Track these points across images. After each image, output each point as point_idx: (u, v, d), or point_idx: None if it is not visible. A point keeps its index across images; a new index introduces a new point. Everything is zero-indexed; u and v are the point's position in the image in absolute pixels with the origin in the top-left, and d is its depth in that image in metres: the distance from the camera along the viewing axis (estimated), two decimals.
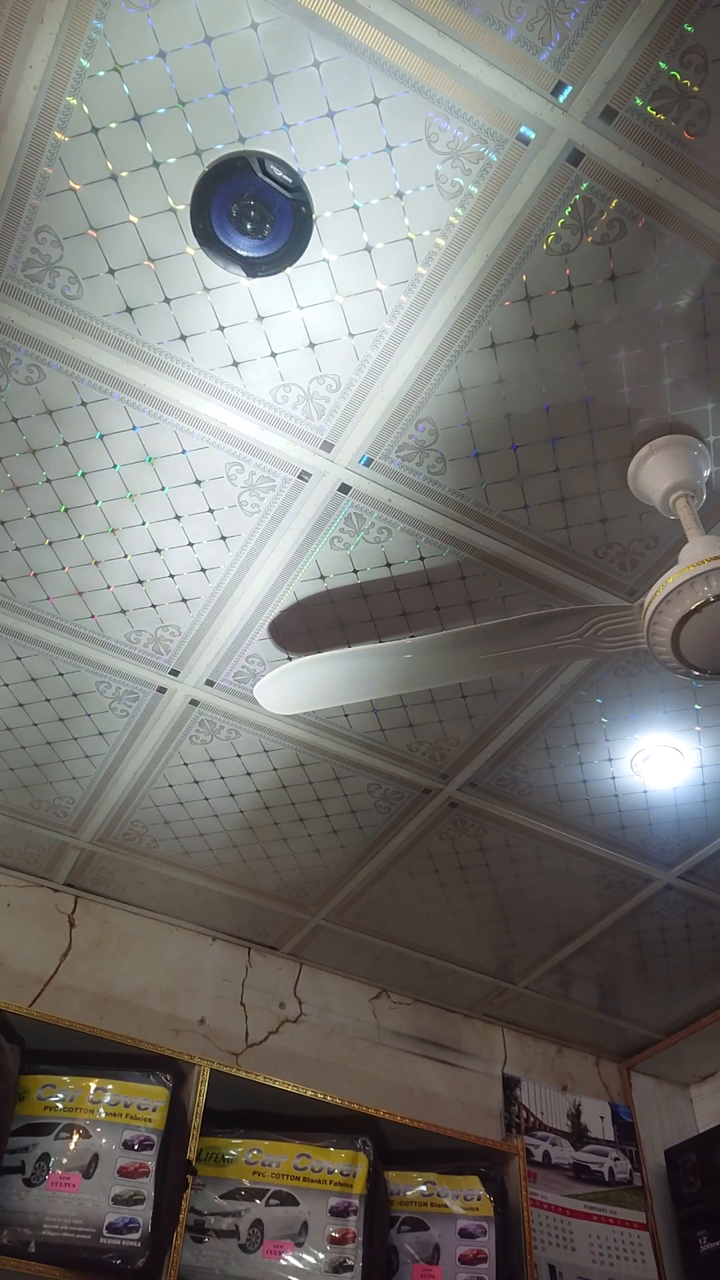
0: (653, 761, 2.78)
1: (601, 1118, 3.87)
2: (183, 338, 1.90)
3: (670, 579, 1.73)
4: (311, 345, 1.90)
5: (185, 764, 2.84)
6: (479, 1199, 2.87)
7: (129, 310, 1.86)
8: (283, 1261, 2.60)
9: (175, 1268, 2.46)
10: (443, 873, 3.20)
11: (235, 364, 1.93)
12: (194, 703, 2.66)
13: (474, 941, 3.52)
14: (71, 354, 1.93)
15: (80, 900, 3.39)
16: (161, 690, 2.63)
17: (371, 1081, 3.44)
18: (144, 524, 2.23)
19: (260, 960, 3.60)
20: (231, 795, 2.93)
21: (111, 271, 1.81)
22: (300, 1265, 2.59)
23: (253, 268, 1.77)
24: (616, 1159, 3.78)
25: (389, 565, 2.29)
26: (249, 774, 2.86)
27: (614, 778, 2.85)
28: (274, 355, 1.91)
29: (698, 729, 2.68)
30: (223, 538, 2.25)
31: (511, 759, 2.79)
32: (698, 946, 3.46)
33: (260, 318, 1.86)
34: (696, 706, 2.63)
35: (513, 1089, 3.77)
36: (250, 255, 1.74)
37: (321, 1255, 2.60)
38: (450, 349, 1.89)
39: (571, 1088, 3.90)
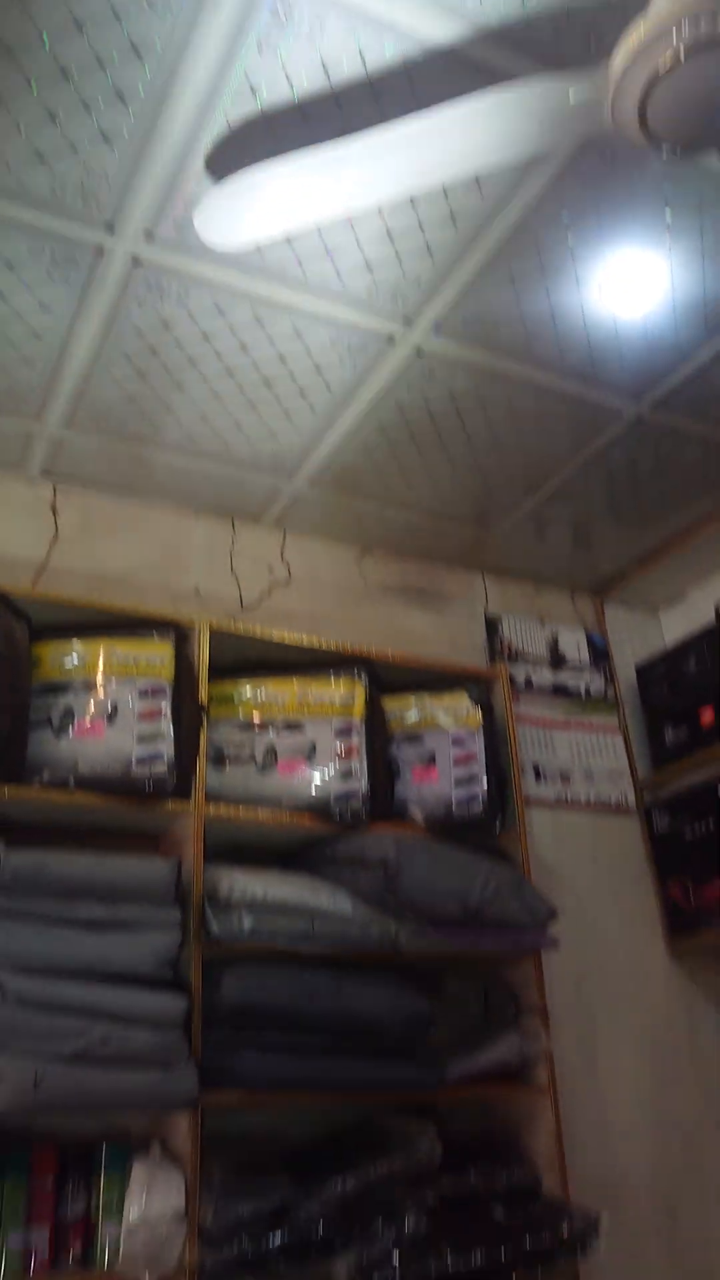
0: (622, 285, 2.68)
1: (578, 645, 4.19)
2: None
3: (639, 30, 1.53)
4: None
5: (139, 333, 2.73)
6: (467, 712, 3.19)
7: None
8: (296, 777, 2.93)
9: (202, 789, 2.76)
10: (414, 425, 3.19)
11: None
12: (136, 262, 2.49)
13: (450, 495, 3.59)
14: None
15: (59, 488, 3.41)
16: (100, 251, 2.45)
17: (363, 631, 3.65)
18: (44, 43, 1.95)
19: (245, 531, 3.71)
20: (191, 361, 2.84)
21: None
22: (313, 779, 2.93)
23: None
24: (592, 678, 4.15)
25: (326, 70, 2.05)
26: (205, 336, 2.75)
27: (582, 308, 2.75)
28: None
29: (668, 242, 2.54)
30: (135, 49, 1.98)
31: (476, 295, 2.67)
32: (667, 477, 3.55)
33: None
34: (668, 218, 2.48)
35: (495, 627, 4.05)
36: None
37: (330, 768, 2.93)
38: None
39: (549, 621, 4.18)
